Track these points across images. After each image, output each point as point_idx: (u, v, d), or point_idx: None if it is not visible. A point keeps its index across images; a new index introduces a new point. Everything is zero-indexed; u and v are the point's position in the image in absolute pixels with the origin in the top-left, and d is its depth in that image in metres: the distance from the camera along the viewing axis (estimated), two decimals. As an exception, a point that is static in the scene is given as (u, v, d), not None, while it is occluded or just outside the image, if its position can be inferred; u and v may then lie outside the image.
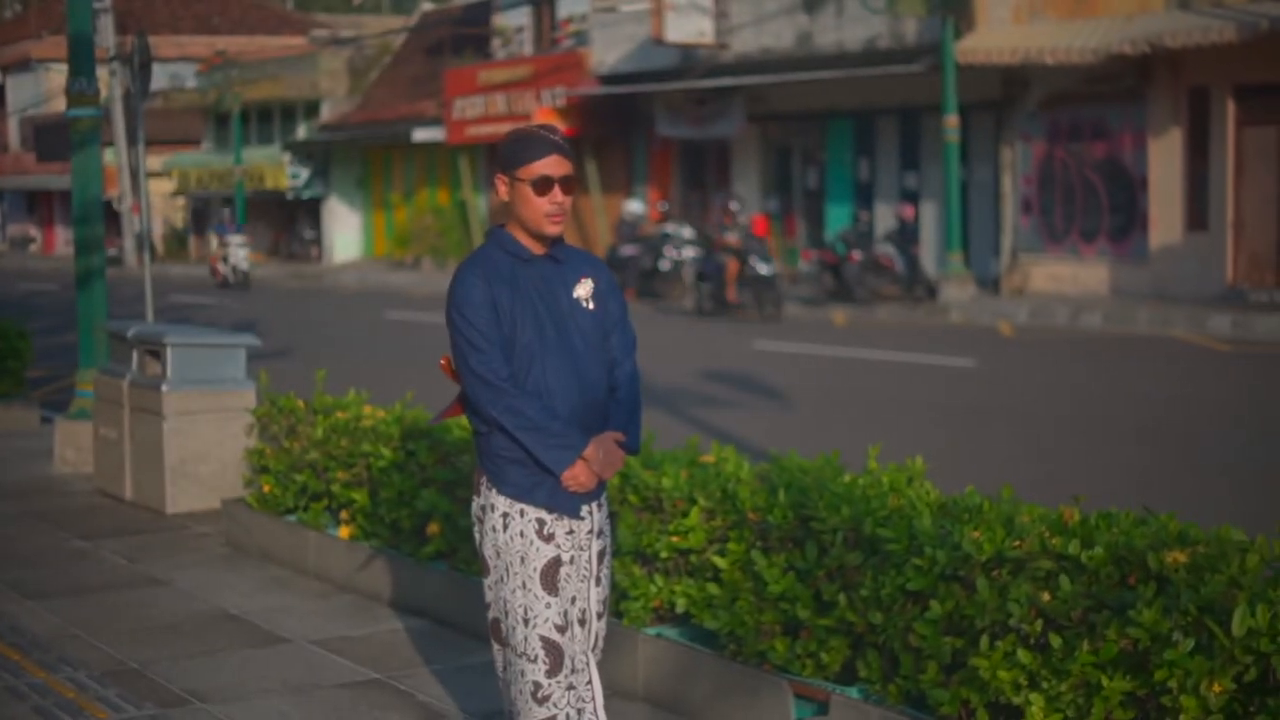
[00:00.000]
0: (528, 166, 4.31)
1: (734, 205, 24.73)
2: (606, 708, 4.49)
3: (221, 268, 36.33)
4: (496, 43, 38.60)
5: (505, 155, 4.36)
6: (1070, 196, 25.27)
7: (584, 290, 4.43)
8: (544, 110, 33.78)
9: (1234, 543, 4.42)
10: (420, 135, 38.95)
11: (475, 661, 6.42)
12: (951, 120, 24.57)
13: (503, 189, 4.39)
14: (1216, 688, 4.09)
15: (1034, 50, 23.77)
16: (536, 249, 4.40)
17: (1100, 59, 22.99)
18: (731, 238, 24.06)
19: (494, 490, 4.36)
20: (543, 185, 4.30)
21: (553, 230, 4.36)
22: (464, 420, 6.79)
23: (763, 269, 23.54)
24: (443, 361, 4.51)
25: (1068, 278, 25.11)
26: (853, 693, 5.16)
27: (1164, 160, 23.57)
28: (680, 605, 5.82)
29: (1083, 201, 25.05)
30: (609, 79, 33.26)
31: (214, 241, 37.85)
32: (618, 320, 4.51)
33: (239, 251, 36.31)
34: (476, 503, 4.45)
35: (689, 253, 28.41)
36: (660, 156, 33.75)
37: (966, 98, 25.08)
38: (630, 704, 5.87)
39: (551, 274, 4.40)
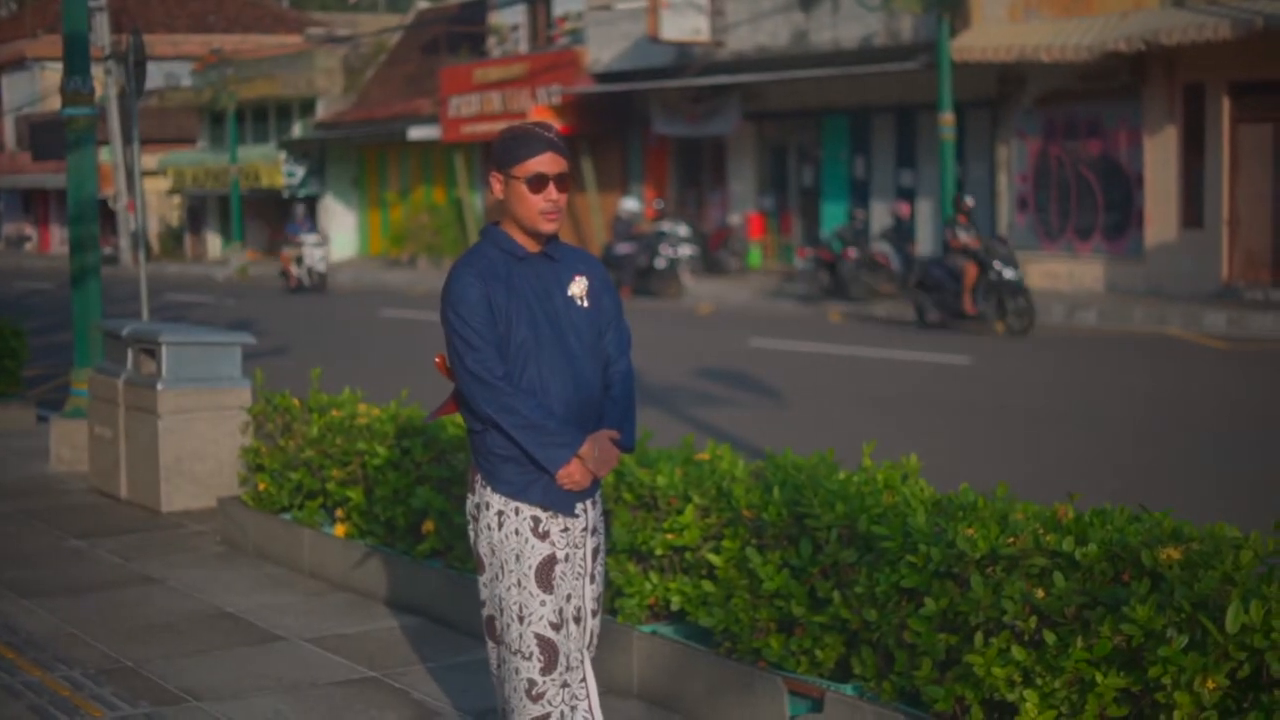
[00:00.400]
0: (523, 164, 4.31)
1: (969, 201, 21.76)
2: (601, 705, 4.49)
3: (295, 270, 33.38)
4: (492, 41, 38.60)
5: (500, 153, 4.36)
6: (1065, 194, 25.29)
7: (578, 288, 4.43)
8: (539, 108, 33.78)
9: (1228, 539, 4.42)
10: (416, 133, 38.94)
11: (470, 659, 6.42)
12: (947, 118, 24.58)
13: (498, 187, 4.39)
14: (1210, 684, 4.10)
15: (1029, 48, 23.78)
16: (532, 247, 4.40)
17: (1095, 56, 23.00)
18: (968, 238, 21.20)
19: (489, 488, 4.36)
20: (538, 183, 4.30)
21: (548, 228, 4.36)
22: (459, 418, 6.79)
23: (1009, 274, 20.58)
24: (438, 359, 4.52)
25: (1063, 275, 25.13)
26: (847, 690, 5.17)
27: (1159, 157, 23.59)
28: (675, 602, 5.82)
29: (1078, 199, 25.06)
30: (604, 77, 33.26)
31: (271, 241, 35.77)
32: (612, 318, 4.51)
33: (315, 252, 33.42)
34: (471, 500, 4.45)
35: (685, 250, 28.42)
36: (656, 154, 33.76)
37: (962, 95, 25.09)
38: (625, 701, 5.87)
39: (546, 272, 4.40)
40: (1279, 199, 22.44)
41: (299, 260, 33.48)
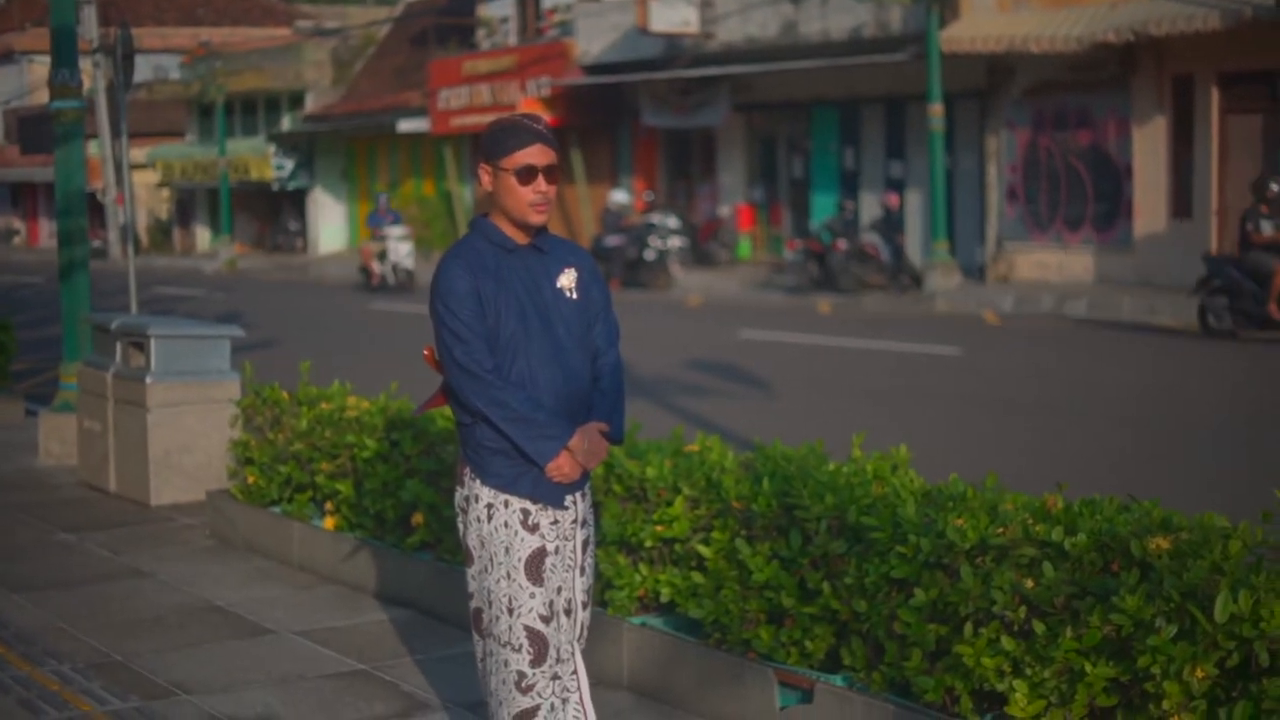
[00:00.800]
0: (511, 156, 4.30)
1: (1274, 187, 18.12)
2: (591, 697, 4.49)
3: (378, 266, 30.30)
4: (481, 33, 38.54)
5: (488, 145, 4.35)
6: (1055, 184, 25.30)
7: (567, 280, 4.42)
8: (529, 100, 33.74)
9: (1216, 529, 4.43)
10: (405, 126, 38.89)
11: (460, 651, 6.42)
12: (936, 109, 24.56)
13: (486, 179, 4.37)
14: (1199, 673, 4.11)
15: (1018, 38, 23.78)
16: (520, 239, 4.39)
17: (1085, 47, 23.00)
18: (1275, 231, 17.93)
19: (478, 481, 4.35)
20: (526, 174, 4.29)
21: (537, 220, 4.35)
22: (448, 411, 6.79)
23: None
24: (426, 352, 4.51)
25: (1053, 266, 25.14)
26: (837, 680, 5.17)
27: (1148, 148, 23.61)
28: (665, 594, 5.82)
29: (1067, 189, 25.07)
30: (594, 69, 33.23)
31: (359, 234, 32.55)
32: (601, 310, 4.51)
33: (400, 246, 30.04)
34: (460, 493, 4.44)
35: (674, 242, 28.41)
36: (645, 146, 33.73)
37: (951, 86, 25.09)
38: (615, 693, 5.87)
39: (535, 264, 4.39)
40: (1268, 189, 22.45)
41: (382, 255, 30.31)
